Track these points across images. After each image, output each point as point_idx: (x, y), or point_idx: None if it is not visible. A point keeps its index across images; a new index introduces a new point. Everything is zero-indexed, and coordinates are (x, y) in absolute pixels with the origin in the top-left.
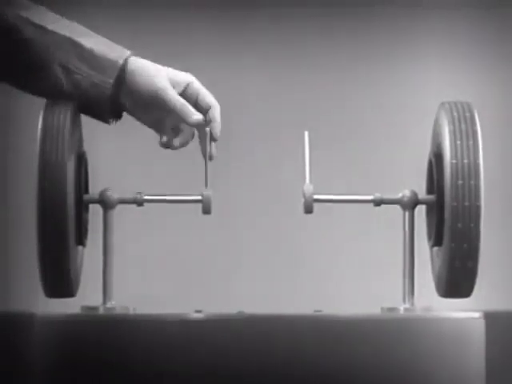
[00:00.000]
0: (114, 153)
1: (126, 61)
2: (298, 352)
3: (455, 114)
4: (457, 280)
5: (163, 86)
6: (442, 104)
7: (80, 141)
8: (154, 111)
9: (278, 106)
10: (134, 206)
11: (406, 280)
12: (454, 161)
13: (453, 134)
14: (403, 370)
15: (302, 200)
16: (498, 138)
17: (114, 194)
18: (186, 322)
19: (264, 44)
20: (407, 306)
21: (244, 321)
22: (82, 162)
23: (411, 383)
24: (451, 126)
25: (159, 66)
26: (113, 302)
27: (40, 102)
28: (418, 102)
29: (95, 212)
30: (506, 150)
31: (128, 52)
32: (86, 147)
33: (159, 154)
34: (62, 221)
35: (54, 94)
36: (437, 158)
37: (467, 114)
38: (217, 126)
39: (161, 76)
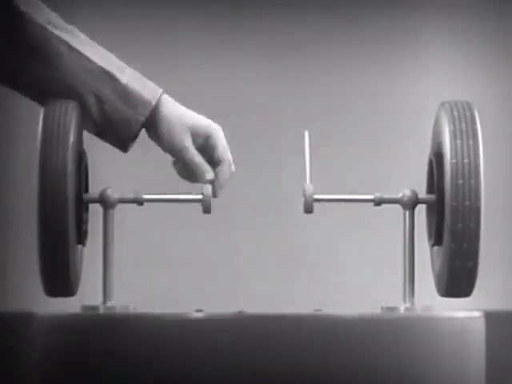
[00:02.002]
0: (114, 153)
1: (158, 101)
2: (298, 352)
3: (455, 113)
4: (457, 280)
5: (183, 143)
6: (443, 103)
7: (80, 141)
8: (175, 156)
9: (278, 106)
10: (134, 206)
11: (406, 280)
12: (454, 160)
13: (453, 133)
14: (403, 369)
15: (302, 200)
16: (499, 137)
17: (114, 194)
18: (186, 322)
19: (264, 44)
20: (407, 305)
21: (244, 321)
22: (81, 161)
23: (411, 383)
24: (451, 125)
25: (185, 112)
26: (113, 302)
27: None
28: (418, 102)
29: (95, 212)
30: (507, 149)
31: (160, 91)
32: (86, 147)
33: (159, 154)
34: (62, 220)
35: (85, 124)
36: (437, 157)
37: (467, 114)
38: (219, 185)
39: (183, 128)
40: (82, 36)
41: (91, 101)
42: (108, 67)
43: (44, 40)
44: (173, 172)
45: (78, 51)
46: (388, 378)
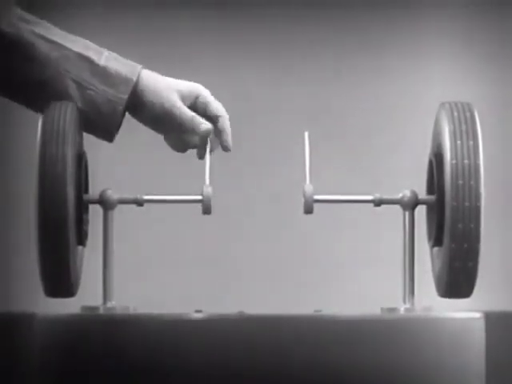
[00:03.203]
0: (114, 153)
1: (138, 76)
2: (298, 352)
3: (455, 114)
4: (457, 280)
5: (172, 102)
6: (443, 104)
7: (80, 141)
8: (167, 125)
9: (278, 106)
10: (133, 206)
11: (406, 280)
12: (454, 161)
13: (453, 134)
14: (403, 369)
15: (302, 200)
16: (499, 138)
17: (113, 194)
18: (186, 322)
19: (264, 43)
20: (407, 306)
21: (244, 321)
22: (81, 162)
23: (411, 383)
24: (451, 125)
25: (169, 80)
26: (113, 302)
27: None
28: (418, 102)
29: (95, 212)
30: (507, 150)
31: (139, 66)
32: (86, 147)
33: (159, 154)
34: (62, 221)
35: None
36: (437, 158)
37: (467, 114)
38: (227, 136)
39: (170, 91)
40: (55, 28)
41: (73, 88)
42: (85, 52)
43: (18, 36)
44: (173, 172)
45: (53, 41)
46: (388, 378)
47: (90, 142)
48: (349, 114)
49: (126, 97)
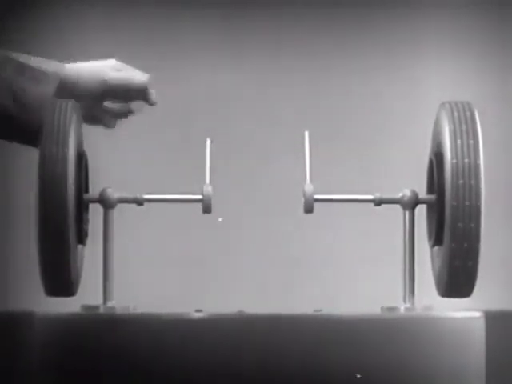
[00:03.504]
0: (114, 153)
1: (63, 69)
2: (298, 352)
3: (456, 113)
4: (457, 280)
5: (103, 74)
6: (443, 103)
7: (80, 140)
8: (99, 101)
9: (278, 105)
10: (134, 206)
11: (406, 280)
12: (454, 160)
13: (453, 133)
14: (403, 369)
15: (302, 200)
16: (499, 137)
17: (114, 194)
18: (186, 322)
19: (263, 43)
20: (407, 305)
21: (244, 321)
22: (82, 161)
23: (411, 383)
24: (451, 125)
25: (88, 64)
26: (113, 302)
27: None
28: (418, 102)
29: (95, 212)
30: (507, 149)
31: (62, 63)
32: (86, 147)
33: (159, 154)
34: (62, 220)
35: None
36: (437, 157)
37: (468, 114)
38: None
39: (100, 67)
40: None
41: (5, 97)
42: (9, 53)
43: None
44: (173, 172)
45: None
46: (388, 378)
47: (90, 141)
48: (349, 114)
49: (52, 90)
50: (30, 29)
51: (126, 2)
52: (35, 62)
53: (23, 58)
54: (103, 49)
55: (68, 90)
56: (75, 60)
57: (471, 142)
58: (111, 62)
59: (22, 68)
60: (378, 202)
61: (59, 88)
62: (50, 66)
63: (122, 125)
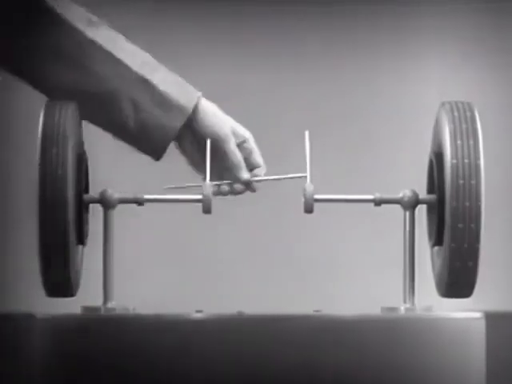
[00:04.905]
0: (114, 153)
1: (195, 107)
2: (298, 352)
3: (456, 113)
4: (457, 280)
5: (227, 137)
6: (443, 104)
7: (80, 141)
8: (211, 158)
9: (279, 105)
10: (134, 206)
11: (407, 280)
12: (454, 160)
13: (453, 133)
14: (403, 369)
15: (302, 200)
16: (499, 137)
17: (114, 194)
18: (186, 323)
19: (263, 42)
20: (408, 305)
21: (244, 321)
22: (82, 161)
23: (411, 383)
24: (452, 125)
25: (225, 116)
26: (113, 302)
27: (39, 101)
28: (418, 102)
29: (95, 212)
30: (507, 149)
31: (198, 94)
32: (86, 147)
33: None
34: (62, 221)
35: (119, 130)
36: (437, 157)
37: (468, 114)
38: (260, 184)
39: (226, 126)
40: (113, 32)
41: (128, 106)
42: (143, 72)
43: (75, 43)
44: (172, 172)
45: (111, 54)
46: (388, 378)
47: (90, 142)
48: (349, 114)
49: (179, 125)
50: None
51: (126, 0)
52: (172, 86)
53: (161, 81)
54: None
55: (193, 127)
56: None
57: (471, 142)
58: (245, 133)
59: (157, 95)
60: (378, 202)
61: (185, 124)
62: (184, 93)
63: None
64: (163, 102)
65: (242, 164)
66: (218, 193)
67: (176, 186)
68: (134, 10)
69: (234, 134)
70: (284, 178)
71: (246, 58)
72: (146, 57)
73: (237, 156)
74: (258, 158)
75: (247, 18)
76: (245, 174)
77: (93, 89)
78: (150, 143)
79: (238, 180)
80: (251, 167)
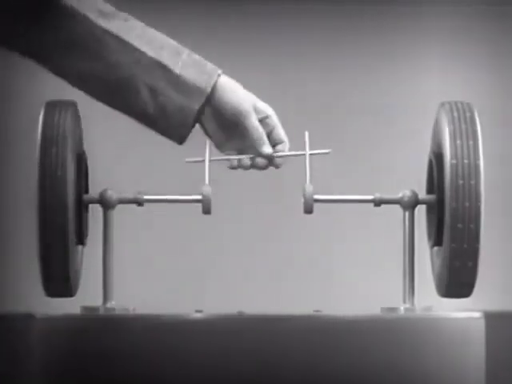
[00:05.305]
0: (114, 153)
1: (214, 86)
2: (298, 352)
3: (455, 114)
4: (457, 280)
5: (247, 113)
6: (443, 104)
7: (80, 141)
8: (233, 135)
9: (278, 105)
10: (134, 206)
11: (406, 280)
12: (454, 161)
13: (453, 133)
14: (403, 369)
15: (302, 200)
16: (499, 138)
17: (113, 194)
18: (186, 323)
19: (264, 42)
20: (407, 305)
21: (244, 321)
22: (81, 161)
23: (411, 383)
24: (451, 125)
25: (246, 92)
26: (113, 303)
27: (39, 100)
28: (418, 102)
29: (95, 212)
30: (507, 150)
31: (218, 73)
32: (86, 147)
33: (159, 154)
34: (62, 221)
35: (138, 115)
36: (437, 157)
37: (467, 114)
38: (283, 159)
39: (247, 101)
40: (130, 21)
41: (145, 92)
42: (159, 57)
43: (88, 33)
44: (172, 172)
45: (126, 42)
46: (388, 378)
47: (90, 142)
48: (349, 114)
49: (197, 107)
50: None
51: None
52: (189, 68)
53: (178, 64)
54: None
55: (213, 106)
56: None
57: (471, 142)
58: (267, 109)
59: (174, 79)
60: (378, 203)
61: (204, 105)
62: (202, 74)
63: (122, 125)
64: (180, 84)
65: (265, 138)
66: (240, 165)
67: (197, 160)
68: (134, 10)
69: (256, 109)
70: (307, 154)
71: (246, 58)
72: (166, 42)
73: (258, 130)
74: (281, 133)
75: (247, 18)
76: (267, 149)
77: (109, 76)
78: (170, 127)
79: (260, 155)
80: (274, 143)
